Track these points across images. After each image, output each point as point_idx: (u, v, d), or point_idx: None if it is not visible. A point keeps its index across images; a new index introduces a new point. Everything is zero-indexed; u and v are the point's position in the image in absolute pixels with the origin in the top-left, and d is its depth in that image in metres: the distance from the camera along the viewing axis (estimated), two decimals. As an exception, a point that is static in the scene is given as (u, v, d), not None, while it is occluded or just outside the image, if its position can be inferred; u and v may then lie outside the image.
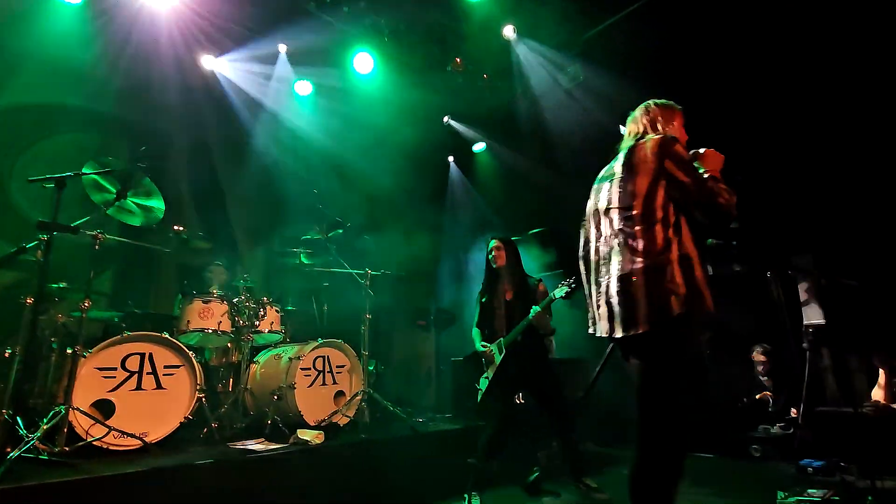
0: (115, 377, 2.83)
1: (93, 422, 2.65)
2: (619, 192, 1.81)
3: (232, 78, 4.95)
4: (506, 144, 6.05)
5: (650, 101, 2.01)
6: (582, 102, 5.07)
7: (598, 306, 1.81)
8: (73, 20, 3.99)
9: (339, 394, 3.69)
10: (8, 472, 2.12)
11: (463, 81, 5.75)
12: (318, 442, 3.02)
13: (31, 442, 2.35)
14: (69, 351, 2.74)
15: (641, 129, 1.95)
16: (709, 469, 3.52)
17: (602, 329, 1.80)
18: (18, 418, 2.58)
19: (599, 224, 1.88)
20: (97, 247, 2.90)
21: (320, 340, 3.65)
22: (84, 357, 2.71)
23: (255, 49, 4.87)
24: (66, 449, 2.49)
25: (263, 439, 3.07)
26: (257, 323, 3.60)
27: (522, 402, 3.47)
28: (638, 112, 2.01)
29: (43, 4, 3.87)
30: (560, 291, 2.98)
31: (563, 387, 3.22)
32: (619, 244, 1.76)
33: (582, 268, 1.99)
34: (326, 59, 5.20)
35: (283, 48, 5.03)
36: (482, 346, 3.24)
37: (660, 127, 1.92)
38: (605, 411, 4.07)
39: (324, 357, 3.66)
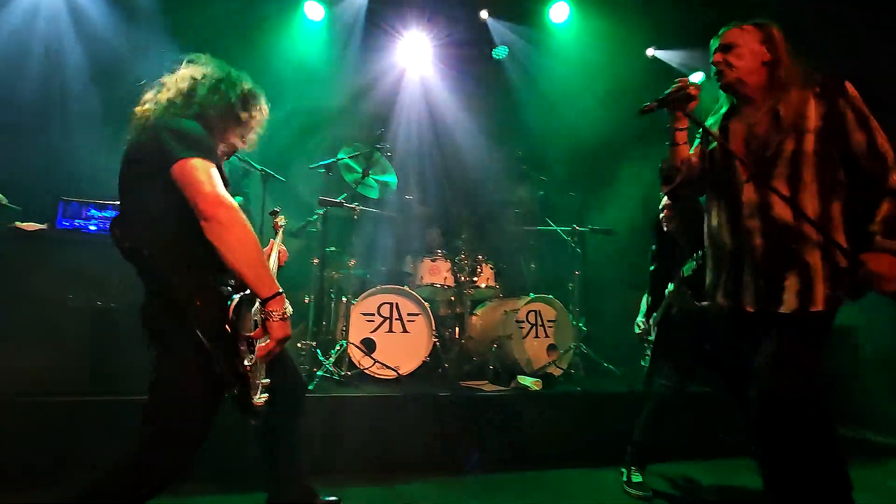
0: (373, 321, 3.55)
1: (363, 354, 3.41)
2: None
3: (437, 60, 5.36)
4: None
5: None
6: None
7: None
8: (317, 34, 4.96)
9: (552, 347, 3.85)
10: (317, 385, 2.93)
11: (671, 3, 5.00)
12: (537, 388, 3.25)
13: (328, 366, 3.18)
14: (343, 300, 3.55)
15: None
16: None
17: None
18: (317, 349, 3.48)
19: None
20: (355, 217, 3.62)
21: (532, 295, 3.84)
22: (353, 304, 3.48)
23: (456, 23, 5.15)
24: (349, 373, 3.28)
25: (487, 381, 3.46)
26: (475, 279, 3.98)
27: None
28: None
29: (294, 27, 4.87)
30: (687, 268, 2.46)
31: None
32: None
33: None
34: (523, 18, 5.21)
35: (484, 13, 5.18)
36: (637, 324, 2.90)
37: None
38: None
39: (535, 311, 3.86)
